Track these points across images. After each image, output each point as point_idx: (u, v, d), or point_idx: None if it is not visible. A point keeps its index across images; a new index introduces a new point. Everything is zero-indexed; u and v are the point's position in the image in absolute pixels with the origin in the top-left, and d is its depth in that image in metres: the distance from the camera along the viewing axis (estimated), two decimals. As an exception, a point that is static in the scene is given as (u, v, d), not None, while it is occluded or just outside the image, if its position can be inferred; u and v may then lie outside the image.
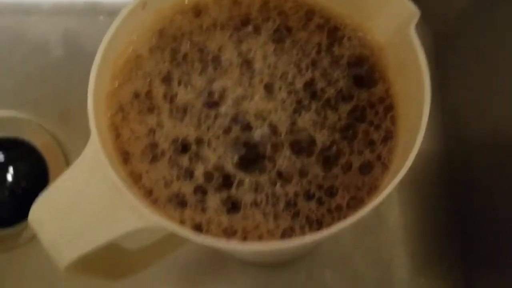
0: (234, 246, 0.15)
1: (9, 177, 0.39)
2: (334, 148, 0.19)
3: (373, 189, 0.18)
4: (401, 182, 0.38)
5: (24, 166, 0.39)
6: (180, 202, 0.18)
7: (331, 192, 0.18)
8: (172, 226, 0.15)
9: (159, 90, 0.19)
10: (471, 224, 0.34)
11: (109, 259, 0.22)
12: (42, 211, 0.16)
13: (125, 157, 0.18)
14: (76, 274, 0.18)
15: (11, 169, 0.39)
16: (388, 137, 0.19)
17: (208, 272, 0.35)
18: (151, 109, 0.19)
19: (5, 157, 0.39)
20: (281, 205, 0.18)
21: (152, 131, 0.18)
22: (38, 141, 0.38)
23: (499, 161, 0.31)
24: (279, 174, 0.18)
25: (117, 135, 0.18)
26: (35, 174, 0.38)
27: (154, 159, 0.18)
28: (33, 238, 0.35)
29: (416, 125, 0.17)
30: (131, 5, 0.18)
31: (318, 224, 0.18)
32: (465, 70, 0.34)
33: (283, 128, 0.19)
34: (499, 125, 0.31)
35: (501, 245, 0.30)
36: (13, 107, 0.38)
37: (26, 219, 0.34)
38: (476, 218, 0.33)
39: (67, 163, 0.37)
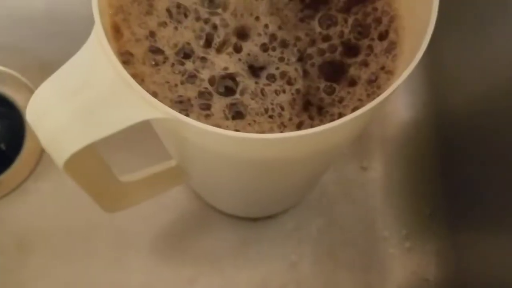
0: (246, 136, 0.15)
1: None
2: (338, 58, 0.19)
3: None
4: (387, 139, 0.39)
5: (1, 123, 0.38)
6: (185, 108, 0.17)
7: (334, 102, 0.18)
8: (180, 116, 0.15)
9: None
10: (453, 175, 0.34)
11: (105, 186, 0.22)
12: (39, 105, 0.16)
13: (126, 58, 0.17)
14: (73, 175, 0.17)
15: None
16: (392, 47, 0.19)
17: (194, 228, 0.35)
18: (150, 12, 0.18)
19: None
20: (287, 114, 0.18)
21: (153, 35, 0.18)
22: (17, 95, 0.37)
23: (485, 123, 0.31)
24: (288, 81, 0.18)
25: (120, 36, 0.17)
26: (12, 128, 0.37)
27: (157, 63, 0.18)
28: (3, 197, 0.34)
29: (421, 31, 0.17)
30: None
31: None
32: (456, 33, 0.34)
33: (290, 39, 0.19)
34: (487, 88, 0.31)
35: (483, 194, 0.31)
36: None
37: None
38: (460, 173, 0.34)
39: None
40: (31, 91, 0.37)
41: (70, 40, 0.37)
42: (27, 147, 0.35)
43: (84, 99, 0.15)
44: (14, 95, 0.37)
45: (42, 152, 0.35)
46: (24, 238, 0.33)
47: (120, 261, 0.33)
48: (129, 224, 0.34)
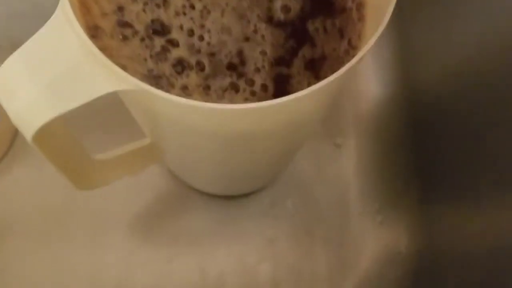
0: (213, 107, 0.15)
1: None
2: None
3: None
4: (359, 116, 0.39)
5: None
6: (156, 81, 0.18)
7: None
8: (145, 86, 0.15)
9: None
10: (425, 147, 0.35)
11: (78, 163, 0.22)
12: (6, 80, 0.16)
13: (94, 32, 0.17)
14: (42, 149, 0.17)
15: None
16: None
17: (171, 207, 0.35)
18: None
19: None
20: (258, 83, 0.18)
21: (121, 9, 0.18)
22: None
23: (455, 99, 0.32)
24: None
25: (87, 10, 0.17)
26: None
27: (126, 37, 0.18)
28: None
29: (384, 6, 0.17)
30: None
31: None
32: (426, 7, 0.35)
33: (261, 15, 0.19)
34: (457, 63, 0.32)
35: (454, 168, 0.32)
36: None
37: None
38: (431, 142, 0.35)
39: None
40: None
41: (42, 19, 0.37)
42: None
43: (51, 72, 0.15)
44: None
45: (15, 134, 0.35)
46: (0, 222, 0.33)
47: (97, 242, 0.33)
48: (106, 205, 0.34)
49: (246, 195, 0.35)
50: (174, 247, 0.34)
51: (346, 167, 0.36)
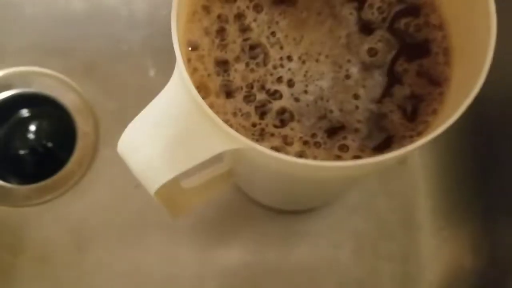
0: (305, 162, 0.16)
1: (33, 134, 0.39)
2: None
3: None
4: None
5: (48, 123, 0.40)
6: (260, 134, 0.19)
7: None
8: (262, 148, 0.16)
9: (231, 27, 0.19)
10: (493, 171, 0.35)
11: (172, 195, 0.23)
12: (130, 140, 0.17)
13: (201, 91, 0.19)
14: (161, 198, 0.18)
15: (34, 126, 0.39)
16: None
17: (236, 220, 0.36)
18: (222, 45, 0.19)
19: (29, 114, 0.39)
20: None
21: (226, 70, 0.19)
22: (64, 97, 0.38)
23: None
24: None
25: (194, 70, 0.19)
26: (61, 131, 0.38)
27: (230, 95, 0.19)
28: (47, 201, 0.36)
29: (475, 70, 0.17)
30: None
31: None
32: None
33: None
34: None
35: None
36: (37, 63, 0.38)
37: (47, 179, 0.35)
38: (499, 166, 0.35)
39: (95, 121, 0.37)
40: (76, 92, 0.38)
41: (111, 41, 0.39)
42: (79, 147, 0.37)
43: (169, 133, 0.17)
44: (61, 96, 0.38)
45: (94, 152, 0.37)
46: (81, 234, 0.35)
47: (172, 254, 0.35)
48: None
49: (311, 210, 0.36)
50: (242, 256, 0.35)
51: (411, 184, 0.36)
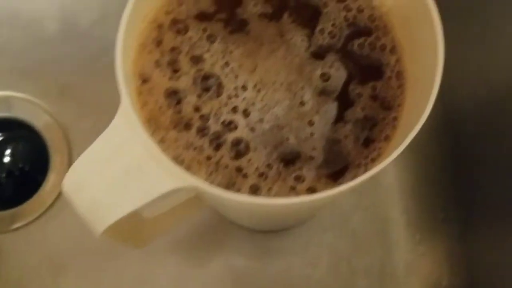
0: (261, 201, 0.16)
1: (7, 159, 0.39)
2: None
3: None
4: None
5: (22, 147, 0.39)
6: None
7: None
8: (209, 187, 0.16)
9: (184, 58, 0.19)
10: (466, 178, 0.35)
11: (132, 227, 0.23)
12: (75, 179, 0.17)
13: (152, 125, 0.19)
14: (108, 239, 0.18)
15: (9, 150, 0.39)
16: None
17: (212, 240, 0.36)
18: (175, 77, 0.19)
19: (3, 138, 0.39)
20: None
21: (178, 102, 0.19)
22: (37, 121, 0.38)
23: (493, 119, 0.32)
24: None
25: (144, 103, 0.19)
26: (35, 155, 0.38)
27: (182, 128, 0.19)
28: (22, 227, 0.36)
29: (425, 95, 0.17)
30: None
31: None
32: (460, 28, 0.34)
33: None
34: (495, 84, 0.32)
35: (497, 198, 0.32)
36: (11, 87, 0.38)
37: (22, 204, 0.35)
38: (472, 173, 0.35)
39: (68, 142, 0.37)
40: (50, 114, 0.38)
41: (85, 62, 0.39)
42: (53, 169, 0.37)
43: (116, 173, 0.17)
44: (33, 120, 0.38)
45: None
46: (55, 259, 0.35)
47: (148, 276, 0.35)
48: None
49: (285, 229, 0.36)
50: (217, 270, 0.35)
51: (386, 198, 0.36)
